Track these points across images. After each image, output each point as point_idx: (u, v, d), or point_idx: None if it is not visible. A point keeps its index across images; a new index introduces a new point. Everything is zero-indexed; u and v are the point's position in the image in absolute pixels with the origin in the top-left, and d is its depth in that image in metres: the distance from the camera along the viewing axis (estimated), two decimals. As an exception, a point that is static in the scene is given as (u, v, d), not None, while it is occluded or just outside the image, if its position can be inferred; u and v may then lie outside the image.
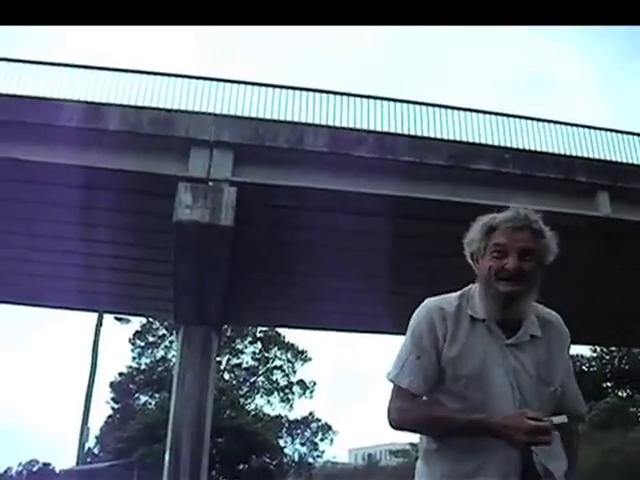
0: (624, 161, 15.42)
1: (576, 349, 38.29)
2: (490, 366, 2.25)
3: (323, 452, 49.52)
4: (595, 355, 40.04)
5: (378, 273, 15.48)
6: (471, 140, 14.50)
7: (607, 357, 39.74)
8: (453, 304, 2.37)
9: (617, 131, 15.95)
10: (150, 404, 42.18)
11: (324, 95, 14.40)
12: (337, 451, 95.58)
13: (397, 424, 2.36)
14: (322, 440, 49.31)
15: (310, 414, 49.18)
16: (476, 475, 2.22)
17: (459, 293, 2.42)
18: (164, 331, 43.69)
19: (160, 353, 44.92)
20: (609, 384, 39.08)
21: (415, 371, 2.32)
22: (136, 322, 42.91)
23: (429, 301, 2.40)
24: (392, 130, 14.22)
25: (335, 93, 14.48)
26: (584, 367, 39.93)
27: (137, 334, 44.59)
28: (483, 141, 14.55)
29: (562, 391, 2.30)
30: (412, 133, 14.29)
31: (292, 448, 48.42)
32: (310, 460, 48.52)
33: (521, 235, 2.27)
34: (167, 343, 43.94)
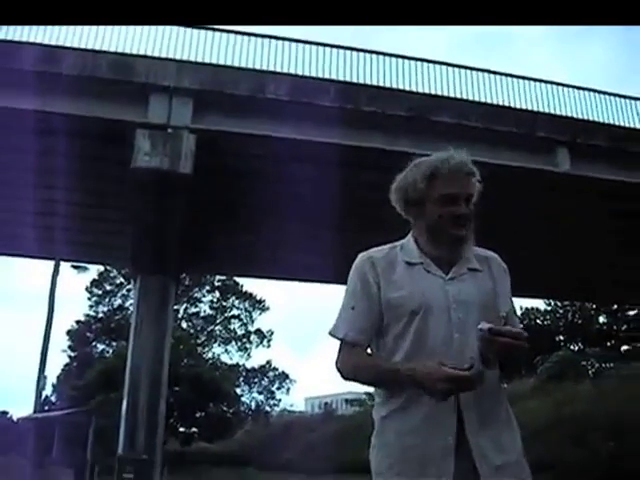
0: (584, 118, 15.50)
1: (531, 302, 38.98)
2: (430, 303, 2.27)
3: (280, 401, 50.12)
4: (549, 309, 40.72)
5: (336, 223, 15.52)
6: (433, 92, 14.45)
7: (561, 311, 40.45)
8: (383, 252, 2.43)
9: (578, 87, 15.98)
10: (107, 352, 42.15)
11: (286, 43, 14.19)
12: (294, 400, 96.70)
13: (341, 375, 2.41)
14: (279, 389, 49.86)
15: (267, 363, 49.62)
16: (418, 433, 2.22)
17: (390, 245, 2.47)
18: (122, 279, 43.54)
19: (118, 301, 44.87)
20: (562, 337, 39.82)
21: (350, 322, 2.36)
22: (94, 270, 42.77)
23: (360, 254, 2.46)
24: (354, 80, 14.11)
25: (297, 41, 14.28)
26: (538, 320, 40.64)
27: (94, 282, 44.40)
28: (446, 94, 14.51)
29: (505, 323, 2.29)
30: (374, 83, 14.19)
31: (249, 397, 48.95)
32: (267, 409, 49.03)
33: (466, 182, 2.35)
34: (124, 291, 43.82)
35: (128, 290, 41.80)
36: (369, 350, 2.40)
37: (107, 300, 44.86)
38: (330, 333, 2.41)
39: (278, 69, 13.77)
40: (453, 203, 2.30)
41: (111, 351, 41.26)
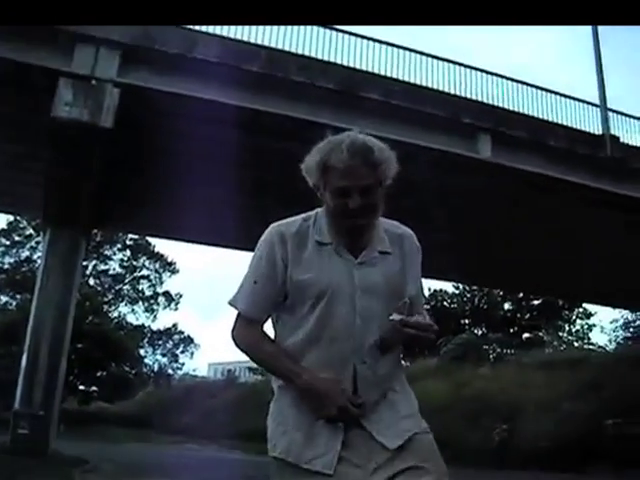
0: (509, 108, 15.73)
1: (439, 284, 39.70)
2: (336, 288, 2.22)
3: (183, 364, 50.05)
4: (457, 292, 41.60)
5: (250, 190, 15.53)
6: (364, 68, 14.43)
7: (468, 295, 41.37)
8: (295, 227, 2.32)
9: (504, 77, 16.21)
10: (11, 305, 41.22)
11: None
12: (197, 364, 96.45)
13: (235, 344, 2.35)
14: (183, 353, 49.75)
15: (173, 326, 49.39)
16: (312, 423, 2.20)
17: (303, 216, 2.36)
18: (31, 231, 42.49)
19: (25, 253, 43.79)
20: (467, 321, 40.79)
21: (250, 296, 2.30)
22: (3, 219, 41.66)
23: (272, 225, 2.34)
24: (286, 48, 13.97)
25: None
26: (445, 303, 41.49)
27: (2, 232, 43.24)
28: (376, 71, 14.50)
29: (410, 304, 2.24)
30: (306, 54, 14.09)
31: (153, 358, 48.67)
32: (170, 372, 48.91)
33: (359, 173, 2.17)
34: (33, 244, 42.78)
35: (37, 242, 40.81)
36: (271, 322, 2.35)
37: (14, 251, 43.77)
38: (229, 303, 2.34)
39: (210, 30, 13.53)
40: (345, 196, 2.18)
41: (14, 304, 40.38)
